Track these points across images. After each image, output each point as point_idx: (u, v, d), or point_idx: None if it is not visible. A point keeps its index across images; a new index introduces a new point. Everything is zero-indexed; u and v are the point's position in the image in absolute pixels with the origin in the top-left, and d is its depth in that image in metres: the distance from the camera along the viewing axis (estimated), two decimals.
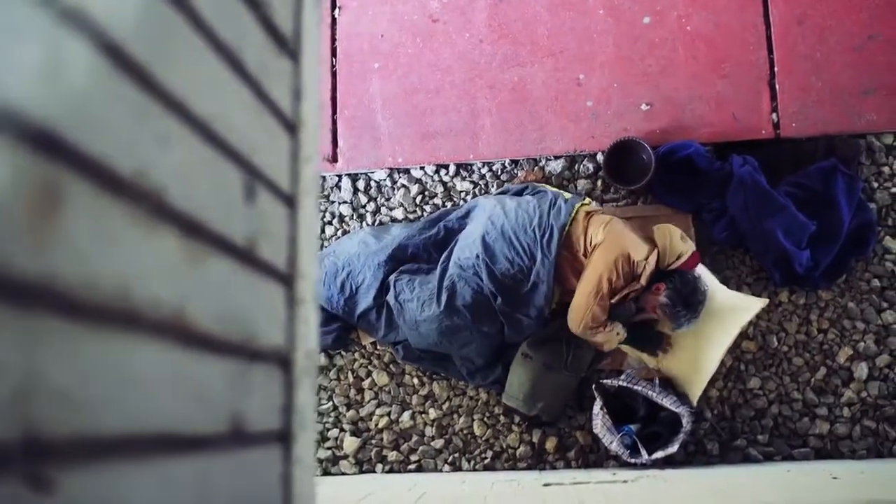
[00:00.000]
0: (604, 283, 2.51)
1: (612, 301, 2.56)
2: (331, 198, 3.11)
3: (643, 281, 2.55)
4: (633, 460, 2.61)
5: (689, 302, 2.55)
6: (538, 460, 2.82)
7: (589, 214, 2.67)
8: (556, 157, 3.00)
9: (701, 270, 2.71)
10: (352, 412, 2.92)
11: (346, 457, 2.89)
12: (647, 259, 2.54)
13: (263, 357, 0.78)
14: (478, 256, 2.65)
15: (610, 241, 2.55)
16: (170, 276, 0.58)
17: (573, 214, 2.65)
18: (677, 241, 2.61)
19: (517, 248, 2.63)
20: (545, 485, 2.25)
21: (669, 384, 2.75)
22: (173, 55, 0.60)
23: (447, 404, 2.89)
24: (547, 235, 2.62)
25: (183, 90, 0.61)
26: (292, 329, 0.87)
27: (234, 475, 0.70)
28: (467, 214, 2.86)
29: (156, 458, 0.56)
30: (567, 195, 2.74)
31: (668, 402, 2.63)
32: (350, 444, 2.88)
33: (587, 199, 2.77)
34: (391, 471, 2.86)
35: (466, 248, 2.70)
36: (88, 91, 0.49)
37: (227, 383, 0.69)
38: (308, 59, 0.95)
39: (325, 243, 3.06)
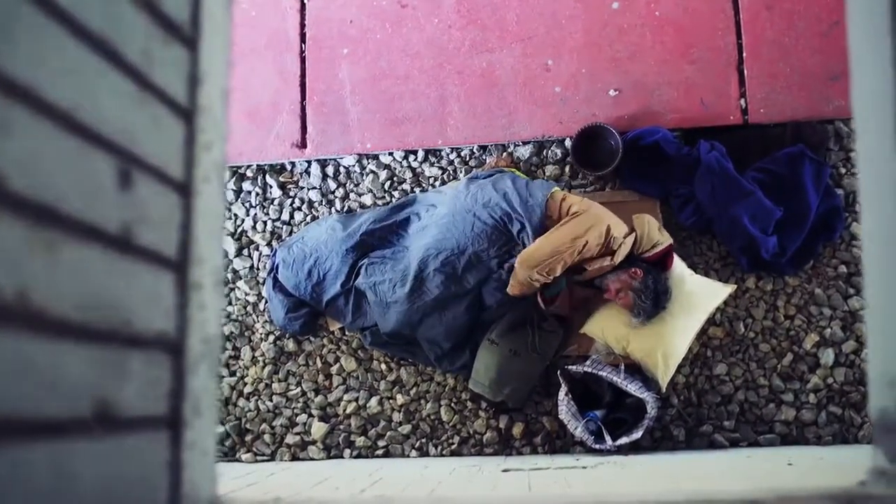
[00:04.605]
0: (577, 244, 2.51)
1: (585, 272, 2.59)
2: (300, 183, 3.11)
3: (616, 260, 2.56)
4: (597, 446, 2.63)
5: (657, 300, 2.60)
6: (505, 446, 2.83)
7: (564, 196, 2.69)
8: (525, 143, 2.99)
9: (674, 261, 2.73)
10: (320, 398, 2.94)
11: (314, 442, 2.90)
12: (624, 238, 2.56)
13: (143, 343, 0.78)
14: (448, 229, 2.68)
15: (593, 213, 2.57)
16: (10, 262, 0.58)
17: (551, 190, 2.68)
18: (655, 231, 2.67)
19: (496, 211, 2.66)
20: (504, 470, 2.26)
21: (636, 370, 2.75)
22: (15, 42, 0.60)
23: (414, 390, 2.90)
24: (530, 200, 2.63)
25: (30, 78, 0.61)
26: (184, 315, 0.87)
27: (102, 460, 0.71)
28: (435, 199, 2.86)
29: None
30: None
31: (633, 388, 2.64)
32: (318, 429, 2.90)
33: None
34: (359, 456, 2.87)
35: (436, 227, 2.71)
36: None
37: (91, 369, 0.69)
38: (210, 44, 0.94)
39: (295, 229, 3.07)
